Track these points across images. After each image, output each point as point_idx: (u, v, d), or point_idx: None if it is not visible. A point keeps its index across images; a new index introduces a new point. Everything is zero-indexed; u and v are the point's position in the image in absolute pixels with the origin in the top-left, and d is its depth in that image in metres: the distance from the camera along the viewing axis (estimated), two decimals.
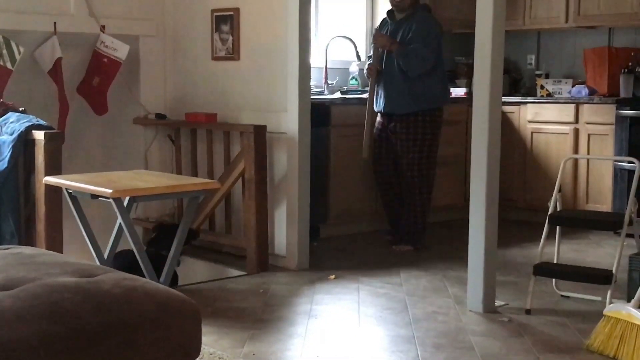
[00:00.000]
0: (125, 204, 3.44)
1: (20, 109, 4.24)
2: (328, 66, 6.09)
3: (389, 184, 5.34)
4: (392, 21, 5.21)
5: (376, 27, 5.51)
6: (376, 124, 5.32)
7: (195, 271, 4.82)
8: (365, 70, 5.37)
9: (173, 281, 4.20)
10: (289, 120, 4.64)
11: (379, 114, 5.30)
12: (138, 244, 3.45)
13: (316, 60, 5.88)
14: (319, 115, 5.09)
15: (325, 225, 5.50)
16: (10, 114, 4.12)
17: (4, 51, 4.53)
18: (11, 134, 3.95)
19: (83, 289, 2.03)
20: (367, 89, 5.99)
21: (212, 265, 4.87)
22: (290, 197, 4.66)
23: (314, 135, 4.82)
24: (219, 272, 4.74)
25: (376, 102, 5.27)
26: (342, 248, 5.28)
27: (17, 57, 4.56)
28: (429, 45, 5.05)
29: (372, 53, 5.30)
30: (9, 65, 4.54)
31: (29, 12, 4.80)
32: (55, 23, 4.82)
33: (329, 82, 6.07)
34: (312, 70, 4.86)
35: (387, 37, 5.14)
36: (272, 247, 4.75)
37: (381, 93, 5.21)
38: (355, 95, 5.81)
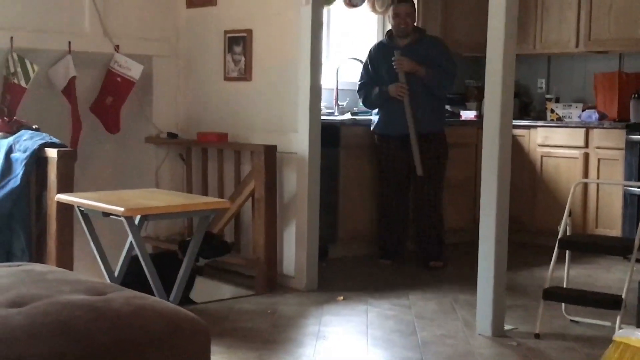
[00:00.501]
0: (136, 222, 3.46)
1: (34, 127, 4.27)
2: (339, 87, 6.12)
3: (396, 205, 5.36)
4: (395, 45, 5.29)
5: (370, 50, 5.49)
6: (382, 144, 5.34)
7: (204, 290, 4.82)
8: (390, 91, 5.22)
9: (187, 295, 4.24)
10: (299, 141, 4.67)
11: (378, 135, 5.35)
12: (148, 262, 3.46)
13: (327, 81, 5.91)
14: (329, 135, 5.11)
15: (334, 246, 5.51)
16: (23, 131, 4.16)
17: (19, 69, 4.58)
18: (24, 152, 3.98)
19: (93, 307, 2.05)
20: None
21: (221, 285, 4.87)
22: (300, 217, 4.67)
23: (324, 156, 4.84)
24: (227, 292, 4.74)
25: (386, 125, 5.29)
26: (351, 269, 5.28)
27: (32, 75, 4.60)
28: (453, 63, 5.29)
29: (400, 77, 5.21)
30: (23, 84, 4.58)
31: (44, 31, 4.86)
32: (69, 42, 4.87)
33: (340, 103, 6.10)
34: (323, 91, 4.90)
35: (413, 61, 5.17)
36: (281, 267, 4.75)
37: (396, 114, 5.21)
38: (365, 116, 5.83)
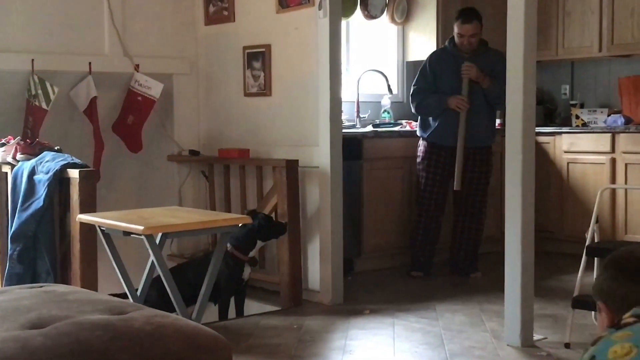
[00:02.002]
0: (157, 240, 3.45)
1: (56, 148, 4.30)
2: (360, 99, 6.10)
3: (435, 217, 5.30)
4: (459, 54, 5.18)
5: (431, 56, 5.37)
6: (429, 154, 5.25)
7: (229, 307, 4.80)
8: (450, 103, 5.12)
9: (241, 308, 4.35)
10: (321, 154, 4.65)
11: (429, 144, 5.25)
12: (170, 281, 3.45)
13: (348, 94, 5.90)
14: (351, 148, 5.09)
15: (359, 259, 5.47)
16: (46, 153, 4.18)
17: (40, 91, 4.62)
18: (47, 173, 4.00)
19: (113, 326, 2.03)
20: (400, 121, 5.99)
21: (246, 301, 4.85)
22: (324, 231, 4.65)
23: (347, 169, 4.81)
24: (252, 308, 4.72)
25: (441, 135, 5.19)
26: (377, 282, 5.23)
27: (52, 97, 4.64)
28: None
29: (463, 87, 5.13)
30: (44, 106, 4.63)
31: (64, 53, 4.91)
32: (90, 63, 4.91)
33: (361, 115, 6.07)
34: (343, 104, 4.88)
35: (479, 70, 5.09)
36: (306, 282, 4.72)
37: (453, 126, 5.12)
38: (387, 128, 5.80)
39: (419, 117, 5.36)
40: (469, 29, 5.12)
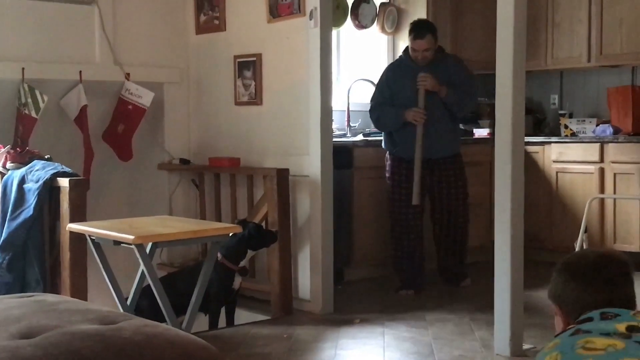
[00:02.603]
0: (147, 249, 3.45)
1: (46, 157, 4.29)
2: (350, 108, 6.12)
3: (413, 229, 5.16)
4: (415, 65, 5.08)
5: (387, 69, 5.31)
6: (396, 169, 5.16)
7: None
8: (407, 116, 5.01)
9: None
10: (311, 163, 4.66)
11: (393, 157, 5.18)
12: (160, 289, 3.44)
13: (338, 102, 5.91)
14: (341, 157, 5.09)
15: (349, 268, 5.47)
16: (35, 161, 4.17)
17: (29, 100, 4.61)
18: (37, 182, 3.99)
19: (104, 336, 2.03)
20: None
21: (236, 310, 4.84)
22: (314, 240, 4.65)
23: (337, 178, 4.82)
24: (242, 317, 4.71)
25: (403, 149, 5.09)
26: (367, 291, 5.24)
27: (42, 105, 4.64)
28: (473, 84, 5.22)
29: (419, 98, 5.01)
30: (33, 114, 4.62)
31: (55, 61, 4.90)
32: (80, 72, 4.91)
33: (352, 124, 6.09)
34: (334, 112, 4.90)
35: (436, 80, 4.98)
36: (296, 291, 4.72)
37: (413, 139, 5.02)
38: (377, 137, 5.81)
39: (383, 132, 5.27)
40: (422, 44, 5.01)
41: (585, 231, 3.90)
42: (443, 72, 5.08)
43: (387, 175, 5.24)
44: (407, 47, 5.21)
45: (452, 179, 5.18)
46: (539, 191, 6.18)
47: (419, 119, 5.00)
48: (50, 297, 2.55)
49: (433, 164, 5.13)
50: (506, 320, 3.71)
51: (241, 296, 4.99)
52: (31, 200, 3.96)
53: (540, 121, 6.83)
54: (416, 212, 5.16)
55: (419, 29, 5.05)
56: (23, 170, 4.10)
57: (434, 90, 5.00)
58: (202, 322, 4.29)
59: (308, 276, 4.69)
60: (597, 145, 5.94)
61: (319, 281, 4.63)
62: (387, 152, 5.26)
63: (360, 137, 5.80)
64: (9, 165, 4.19)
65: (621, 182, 5.81)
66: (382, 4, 6.36)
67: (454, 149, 5.23)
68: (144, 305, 3.83)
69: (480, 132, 6.49)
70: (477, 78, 5.49)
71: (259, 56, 5.06)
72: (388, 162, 5.24)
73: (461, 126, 6.11)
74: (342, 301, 4.81)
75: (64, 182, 3.92)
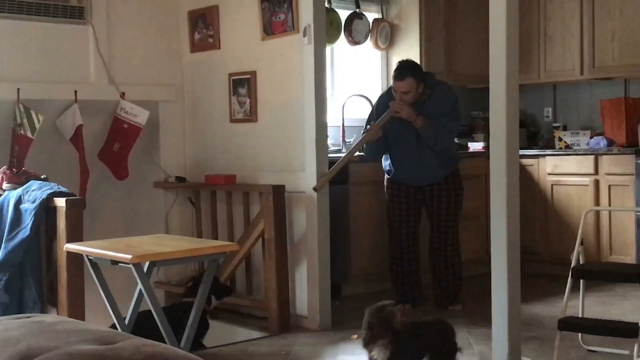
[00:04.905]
0: (145, 268, 3.45)
1: (42, 177, 4.29)
2: (345, 124, 6.14)
3: (414, 251, 5.17)
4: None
5: (380, 96, 5.25)
6: (392, 191, 5.14)
7: (216, 333, 4.79)
8: (367, 130, 4.98)
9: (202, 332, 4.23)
10: (307, 179, 4.67)
11: (392, 182, 5.14)
12: (158, 308, 3.44)
13: (333, 118, 5.94)
14: (337, 173, 5.09)
15: (346, 284, 5.47)
16: (32, 182, 4.18)
17: (25, 120, 4.62)
18: (33, 202, 4.00)
19: (103, 356, 2.03)
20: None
21: (233, 327, 4.84)
22: (311, 256, 4.66)
23: (333, 194, 4.83)
24: (240, 334, 4.71)
25: (397, 173, 5.08)
26: (365, 306, 5.21)
27: (37, 125, 4.64)
28: (456, 119, 5.02)
29: (382, 117, 4.90)
30: (29, 134, 4.62)
31: (50, 81, 4.92)
32: (76, 91, 4.93)
33: (347, 140, 6.11)
34: (329, 128, 4.91)
35: (413, 110, 4.84)
36: (294, 308, 4.72)
37: (405, 164, 5.01)
38: None
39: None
40: (401, 86, 4.85)
41: (582, 243, 3.91)
42: (430, 108, 4.92)
43: (386, 194, 5.21)
44: None
45: (445, 193, 5.08)
46: (535, 204, 6.20)
47: (372, 137, 4.91)
48: (48, 318, 2.54)
49: (428, 188, 5.08)
50: (504, 334, 3.71)
51: (238, 313, 5.00)
52: (28, 220, 3.97)
53: (534, 134, 6.86)
54: (414, 227, 5.16)
55: (399, 70, 4.90)
56: (19, 190, 4.11)
57: (409, 120, 4.86)
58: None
59: (305, 292, 4.69)
60: (592, 157, 5.97)
61: (316, 297, 4.63)
62: (385, 173, 5.22)
63: (357, 153, 5.79)
64: (5, 185, 4.19)
65: (616, 194, 5.84)
66: (375, 20, 6.40)
67: (444, 172, 5.06)
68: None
69: (475, 146, 6.51)
70: (463, 91, 5.41)
71: (253, 74, 5.08)
72: (386, 184, 5.21)
73: (456, 140, 6.12)
74: (340, 317, 4.81)
75: (60, 202, 3.92)
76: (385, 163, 5.19)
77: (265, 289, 4.74)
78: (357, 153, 5.74)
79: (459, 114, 5.09)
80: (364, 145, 5.08)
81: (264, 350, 4.22)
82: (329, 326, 4.64)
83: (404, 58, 5.27)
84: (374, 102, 6.14)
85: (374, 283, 5.61)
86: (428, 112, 4.90)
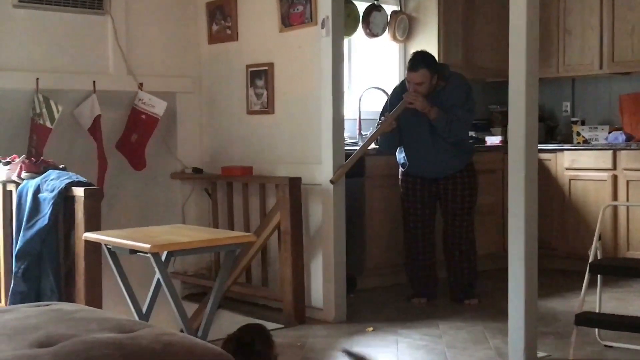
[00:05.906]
0: (163, 258, 3.46)
1: (61, 167, 4.31)
2: (362, 117, 6.13)
3: (429, 245, 5.15)
4: None
5: (395, 88, 5.22)
6: (407, 184, 5.13)
7: (231, 324, 4.80)
8: (381, 122, 4.96)
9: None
10: (323, 172, 4.67)
11: (402, 171, 5.14)
12: (175, 298, 3.45)
13: (350, 111, 5.93)
14: (353, 166, 5.09)
15: (362, 277, 5.47)
16: (50, 171, 4.19)
17: (44, 110, 4.64)
18: (52, 191, 4.01)
19: (121, 344, 2.04)
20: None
21: (249, 319, 4.85)
22: (326, 248, 4.66)
23: (349, 186, 4.83)
24: None
25: (411, 166, 5.07)
26: (380, 299, 5.23)
27: (56, 115, 4.67)
28: (471, 110, 5.00)
29: (396, 108, 4.89)
30: (48, 124, 4.65)
31: (69, 71, 4.94)
32: (94, 82, 4.94)
33: (363, 133, 6.10)
34: (345, 121, 4.89)
35: (427, 101, 4.84)
36: (309, 300, 4.73)
37: (419, 156, 5.00)
38: None
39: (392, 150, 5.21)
40: (415, 77, 4.85)
41: (599, 239, 3.89)
42: (444, 99, 4.92)
43: (400, 188, 5.20)
44: None
45: (459, 186, 5.05)
46: (552, 199, 6.17)
47: (386, 128, 4.90)
48: (66, 306, 2.56)
49: (443, 180, 5.06)
50: (520, 329, 3.70)
51: (254, 304, 5.01)
52: (46, 209, 3.98)
53: (552, 129, 6.82)
54: (429, 221, 5.15)
55: (413, 61, 4.89)
56: (38, 179, 4.13)
57: (423, 111, 4.85)
58: (216, 329, 4.30)
59: (321, 285, 4.70)
60: (610, 152, 5.93)
61: (331, 289, 4.63)
62: (400, 166, 5.21)
63: (372, 146, 5.79)
64: (24, 175, 4.21)
65: (634, 189, 5.80)
66: (393, 12, 6.38)
67: (460, 164, 5.04)
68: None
69: (493, 140, 6.49)
70: (481, 85, 5.39)
71: (270, 65, 5.08)
72: (400, 177, 5.20)
73: (473, 134, 6.09)
74: (354, 310, 4.81)
75: (78, 192, 3.94)
76: (400, 156, 5.18)
77: (280, 281, 4.75)
78: (372, 145, 5.75)
79: (473, 105, 5.07)
80: (378, 137, 5.07)
81: (279, 341, 4.21)
82: (344, 319, 4.64)
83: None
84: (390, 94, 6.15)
85: (389, 276, 5.61)
86: (442, 103, 4.89)
